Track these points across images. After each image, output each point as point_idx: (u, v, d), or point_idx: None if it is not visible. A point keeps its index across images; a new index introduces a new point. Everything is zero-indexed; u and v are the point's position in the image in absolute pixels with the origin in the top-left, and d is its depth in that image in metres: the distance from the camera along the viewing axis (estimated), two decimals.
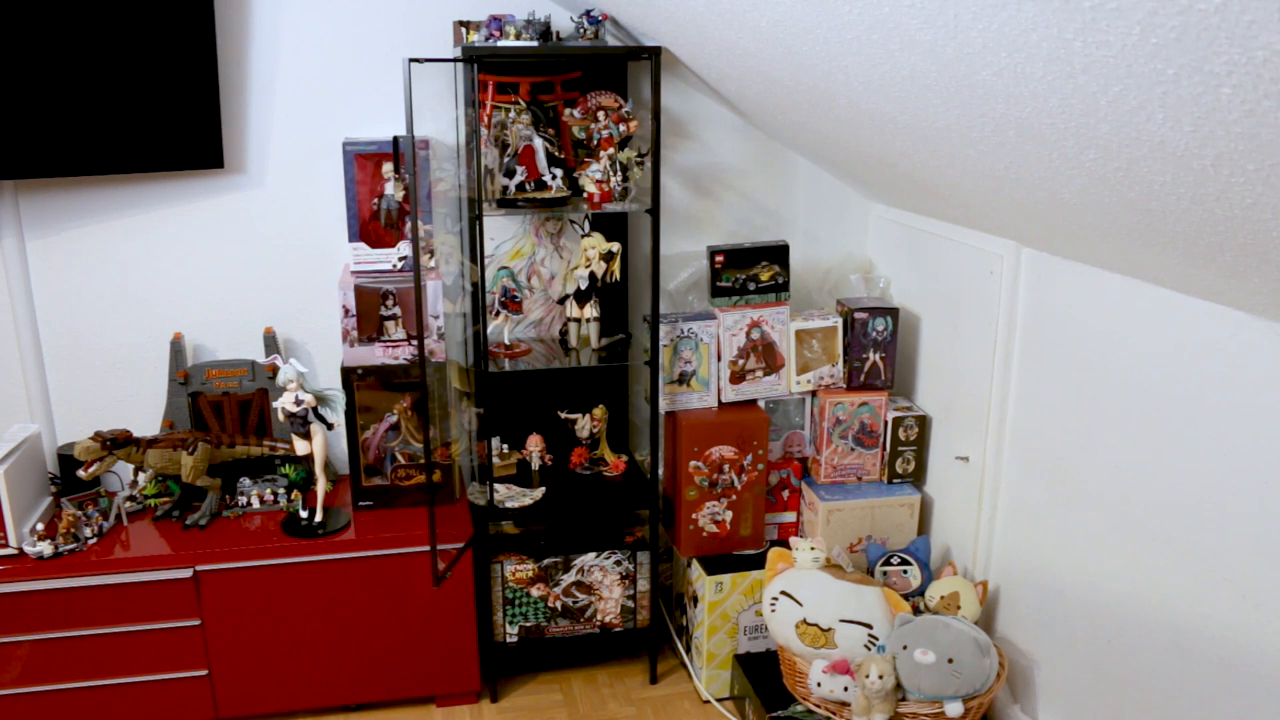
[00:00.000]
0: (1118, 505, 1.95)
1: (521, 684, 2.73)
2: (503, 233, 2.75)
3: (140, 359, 2.71)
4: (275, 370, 2.60)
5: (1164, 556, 1.83)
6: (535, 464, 2.74)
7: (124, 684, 2.43)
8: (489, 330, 2.54)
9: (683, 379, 2.59)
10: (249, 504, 2.59)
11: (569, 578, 2.63)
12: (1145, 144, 1.19)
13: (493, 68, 2.46)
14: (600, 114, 2.47)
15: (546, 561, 2.61)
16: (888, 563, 2.51)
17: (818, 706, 2.26)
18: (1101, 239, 1.70)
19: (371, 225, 2.57)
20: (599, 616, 2.68)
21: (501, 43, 2.38)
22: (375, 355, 2.55)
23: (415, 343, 2.56)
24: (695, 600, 2.64)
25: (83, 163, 2.42)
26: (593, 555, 2.63)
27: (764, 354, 2.63)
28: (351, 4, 2.57)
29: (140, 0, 2.33)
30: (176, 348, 2.64)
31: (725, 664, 2.64)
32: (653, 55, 2.32)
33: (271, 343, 2.69)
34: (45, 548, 2.34)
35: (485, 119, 2.43)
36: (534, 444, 2.74)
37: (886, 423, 2.64)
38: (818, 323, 2.62)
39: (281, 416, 2.44)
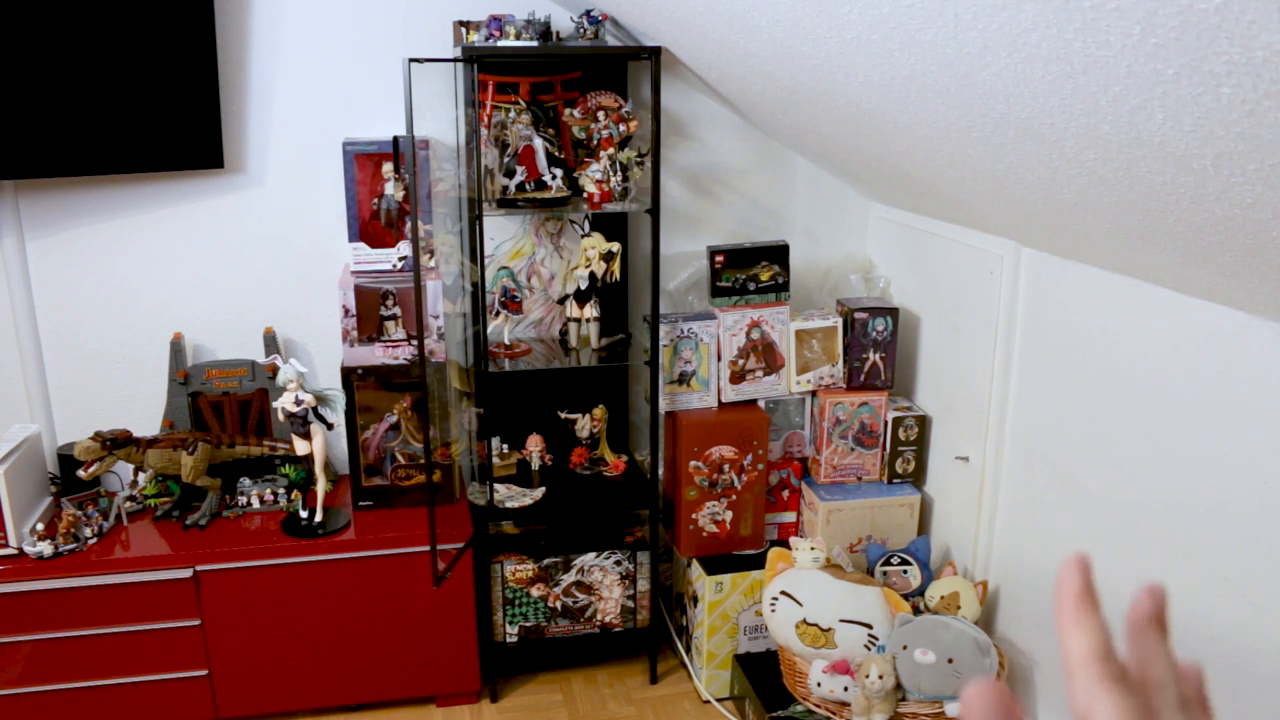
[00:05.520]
0: (1118, 505, 1.95)
1: (521, 684, 2.73)
2: (503, 233, 2.75)
3: (140, 359, 2.71)
4: (275, 370, 2.60)
5: (1164, 556, 1.83)
6: (535, 464, 2.74)
7: (124, 684, 2.43)
8: (489, 330, 2.54)
9: (683, 379, 2.59)
10: (249, 504, 2.59)
11: (569, 578, 2.63)
12: (1145, 144, 1.19)
13: (493, 68, 2.46)
14: (600, 114, 2.47)
15: (546, 561, 2.61)
16: (888, 563, 2.51)
17: (818, 706, 2.26)
18: (1101, 239, 1.70)
19: (371, 225, 2.57)
20: (599, 616, 2.68)
21: (501, 43, 2.38)
22: (375, 355, 2.55)
23: (415, 343, 2.56)
24: (695, 600, 2.64)
25: (83, 163, 2.42)
26: (593, 555, 2.63)
27: (764, 354, 2.62)
28: (351, 4, 2.57)
29: (140, 1, 2.33)
30: (176, 348, 2.64)
31: (725, 664, 2.64)
32: (653, 55, 2.32)
33: (271, 343, 2.69)
34: (45, 548, 2.34)
35: (485, 119, 2.43)
36: (534, 444, 2.74)
37: (886, 423, 2.64)
38: (818, 323, 2.62)
39: (281, 416, 2.44)
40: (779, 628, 2.31)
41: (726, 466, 2.59)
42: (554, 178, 2.43)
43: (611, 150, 2.44)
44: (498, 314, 2.61)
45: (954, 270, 2.48)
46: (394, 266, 2.59)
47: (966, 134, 1.59)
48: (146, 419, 2.74)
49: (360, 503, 2.59)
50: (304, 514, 2.52)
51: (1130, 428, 1.90)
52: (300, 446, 2.48)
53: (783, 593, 2.31)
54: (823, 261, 2.95)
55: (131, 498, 2.58)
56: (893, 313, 2.61)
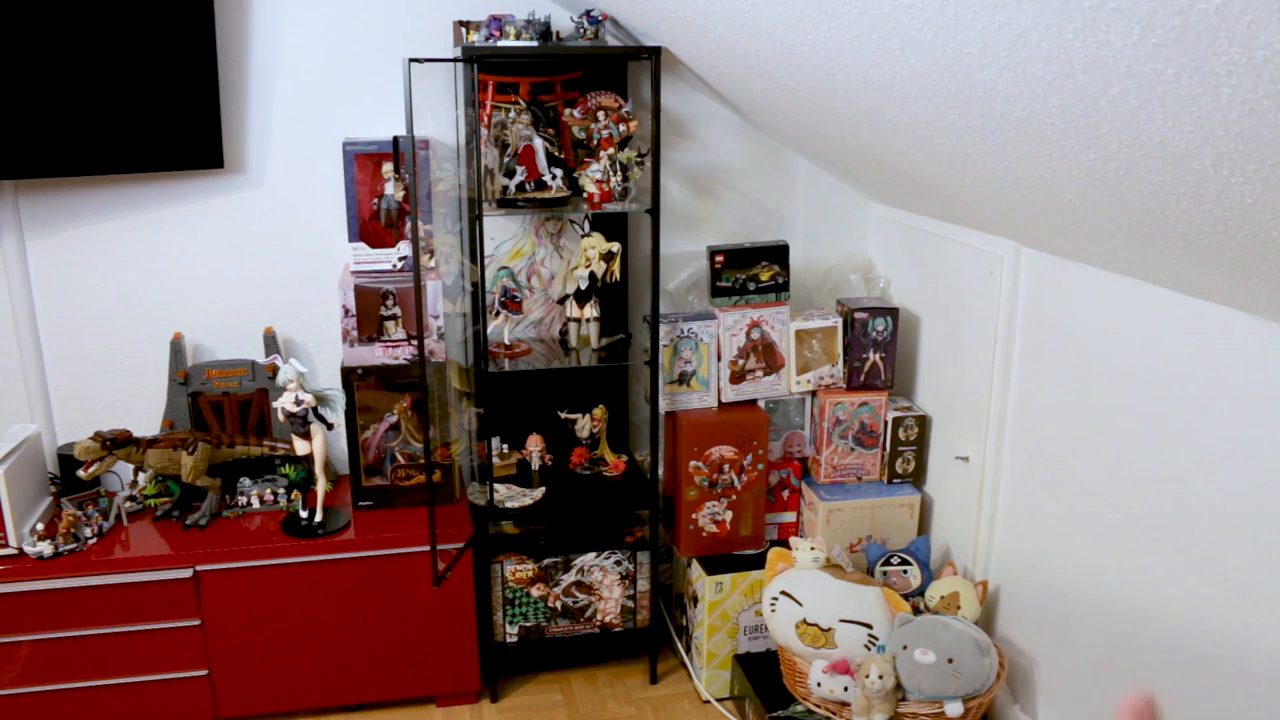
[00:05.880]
0: (1118, 505, 1.95)
1: (521, 684, 2.73)
2: (503, 233, 2.75)
3: (140, 359, 2.71)
4: (275, 370, 2.60)
5: (1164, 556, 1.83)
6: (535, 464, 2.74)
7: (124, 684, 2.43)
8: (489, 330, 2.54)
9: (683, 379, 2.59)
10: (249, 504, 2.59)
11: (569, 578, 2.63)
12: (1145, 144, 1.19)
13: (493, 68, 2.47)
14: (600, 114, 2.47)
15: (546, 561, 2.61)
16: (888, 563, 2.51)
17: (818, 706, 2.26)
18: (1101, 239, 1.70)
19: (371, 225, 2.57)
20: (599, 616, 2.68)
21: (501, 43, 2.38)
22: (375, 355, 2.55)
23: (415, 343, 2.56)
24: (695, 600, 2.64)
25: (83, 163, 2.42)
26: (593, 555, 2.63)
27: (764, 354, 2.63)
28: (351, 4, 2.57)
29: (140, 1, 2.33)
30: (176, 348, 2.64)
31: (725, 664, 2.64)
32: (653, 55, 2.32)
33: (271, 343, 2.69)
34: (45, 548, 2.34)
35: (485, 119, 2.43)
36: (534, 444, 2.74)
37: (886, 423, 2.64)
38: (818, 323, 2.62)
39: (281, 416, 2.44)
40: (779, 628, 2.31)
41: (726, 466, 2.59)
42: (554, 178, 2.43)
43: (611, 150, 2.44)
44: (498, 314, 2.61)
45: (954, 270, 2.48)
46: (394, 266, 2.59)
47: (966, 134, 1.59)
48: (146, 419, 2.74)
49: (360, 503, 2.59)
50: (304, 514, 2.52)
51: (1130, 428, 1.90)
52: (300, 446, 2.48)
53: (783, 593, 2.31)
54: (823, 261, 2.95)
55: (131, 498, 2.58)
56: (893, 313, 2.61)
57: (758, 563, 2.61)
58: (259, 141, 2.62)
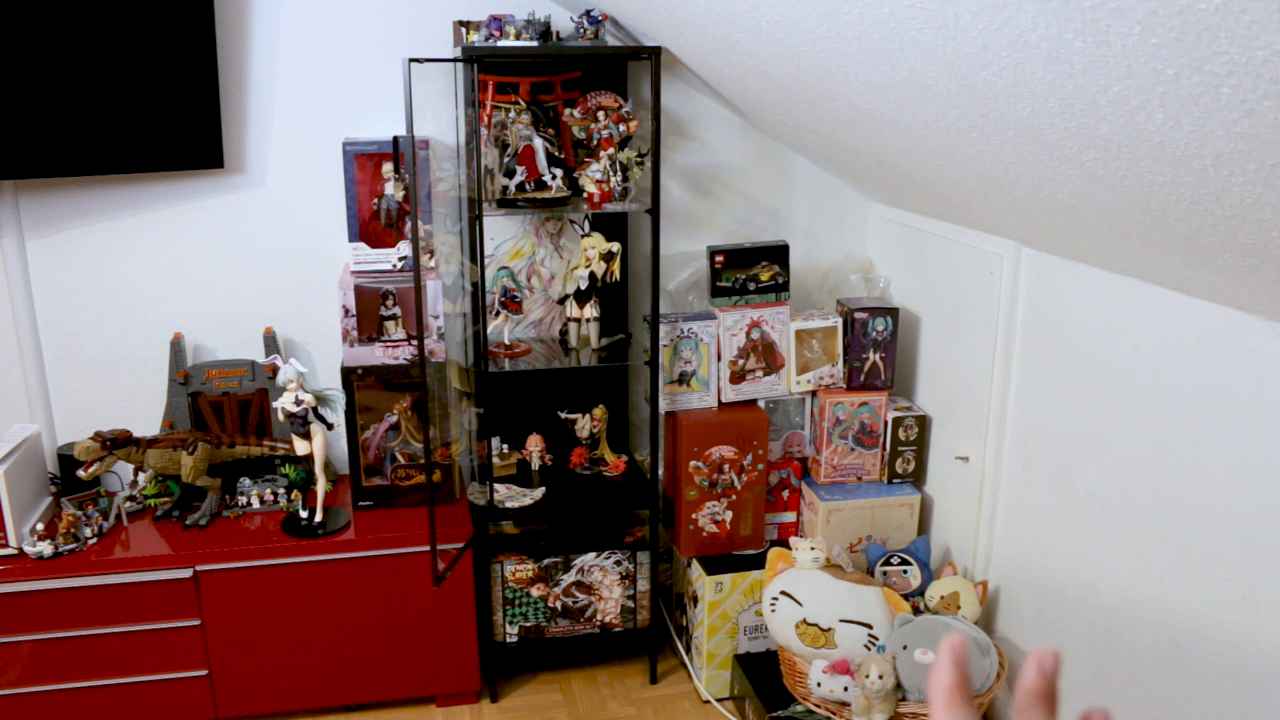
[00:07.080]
0: (1118, 505, 1.95)
1: (521, 684, 2.73)
2: (503, 233, 2.75)
3: (140, 359, 2.71)
4: (275, 370, 2.60)
5: (1164, 556, 1.83)
6: (535, 464, 2.74)
7: (124, 684, 2.43)
8: (489, 330, 2.54)
9: (683, 379, 2.59)
10: (249, 504, 2.59)
11: (569, 578, 2.63)
12: (1145, 144, 1.19)
13: (493, 68, 2.46)
14: (600, 114, 2.47)
15: (546, 561, 2.61)
16: (888, 563, 2.51)
17: (818, 706, 2.26)
18: (1101, 239, 1.70)
19: (371, 225, 2.57)
20: (599, 616, 2.68)
21: (501, 43, 2.38)
22: (375, 355, 2.55)
23: (415, 343, 2.56)
24: (695, 600, 2.64)
25: (83, 163, 2.42)
26: (593, 555, 2.63)
27: (764, 354, 2.62)
28: (351, 4, 2.57)
29: (140, 1, 2.33)
30: (176, 348, 2.64)
31: (725, 664, 2.64)
32: (653, 55, 2.32)
33: (271, 343, 2.69)
34: (45, 548, 2.34)
35: (485, 119, 2.43)
36: (534, 444, 2.74)
37: (886, 423, 2.64)
38: (818, 323, 2.62)
39: (281, 416, 2.44)
40: (779, 628, 2.31)
41: (726, 466, 2.59)
42: (554, 178, 2.43)
43: (611, 150, 2.44)
44: (498, 314, 2.61)
45: (954, 270, 2.48)
46: (394, 266, 2.59)
47: (966, 134, 1.59)
48: (146, 419, 2.74)
49: (360, 503, 2.59)
50: (304, 514, 2.52)
51: (1130, 428, 1.90)
52: (300, 446, 2.47)
53: (783, 593, 2.31)
54: (823, 261, 2.95)
55: (131, 498, 2.58)
56: (893, 313, 2.61)
57: (758, 563, 2.61)
58: (259, 141, 2.62)
